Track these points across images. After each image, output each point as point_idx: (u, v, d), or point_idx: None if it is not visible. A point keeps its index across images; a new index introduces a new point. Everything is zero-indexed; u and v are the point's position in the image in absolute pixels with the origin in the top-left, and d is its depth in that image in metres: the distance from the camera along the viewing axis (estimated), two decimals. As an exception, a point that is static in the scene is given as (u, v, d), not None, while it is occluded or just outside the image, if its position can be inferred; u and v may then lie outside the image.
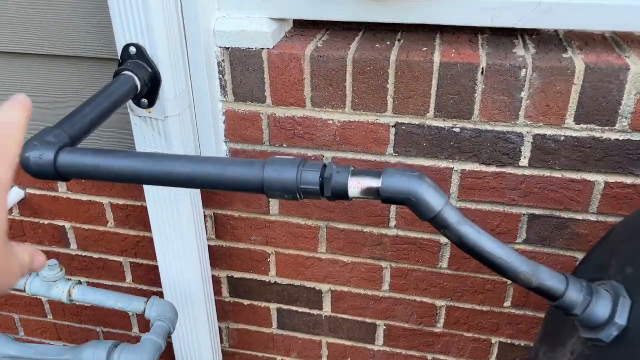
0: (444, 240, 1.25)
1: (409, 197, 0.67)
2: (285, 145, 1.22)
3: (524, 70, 1.02)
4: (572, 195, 1.12)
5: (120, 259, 1.54)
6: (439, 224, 0.68)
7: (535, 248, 1.21)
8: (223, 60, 1.16)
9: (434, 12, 1.04)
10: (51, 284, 1.22)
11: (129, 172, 0.72)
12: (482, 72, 1.04)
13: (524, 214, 1.17)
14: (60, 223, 1.52)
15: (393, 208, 1.24)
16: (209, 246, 1.41)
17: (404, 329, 1.41)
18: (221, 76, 1.18)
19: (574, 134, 1.06)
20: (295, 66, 1.12)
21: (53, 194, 1.47)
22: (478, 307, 1.32)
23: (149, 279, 1.55)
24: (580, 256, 1.19)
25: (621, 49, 1.04)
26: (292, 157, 0.71)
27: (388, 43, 1.14)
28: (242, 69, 1.15)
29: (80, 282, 1.27)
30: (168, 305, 1.19)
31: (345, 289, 1.39)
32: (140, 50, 1.02)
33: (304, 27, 1.22)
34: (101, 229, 1.49)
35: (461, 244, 0.68)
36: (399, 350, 1.45)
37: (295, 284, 1.42)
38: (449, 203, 0.69)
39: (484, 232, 0.68)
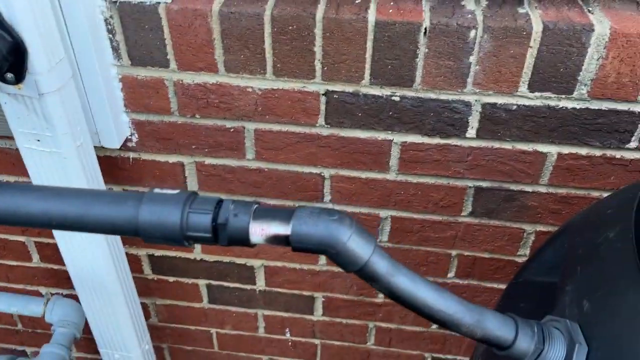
0: (384, 213, 1.13)
1: (326, 248, 0.52)
2: (197, 116, 1.04)
3: (474, 31, 0.86)
4: (522, 167, 1.01)
5: (22, 238, 1.35)
6: (365, 276, 0.54)
7: (481, 220, 1.11)
8: (111, 17, 0.93)
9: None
10: None
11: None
12: (425, 33, 0.87)
13: (470, 187, 1.06)
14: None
15: (327, 182, 1.10)
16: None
17: (343, 300, 1.32)
18: (111, 36, 0.95)
19: (527, 103, 0.93)
20: (201, 24, 0.91)
21: None
22: (420, 278, 1.24)
23: (60, 258, 1.38)
24: (528, 228, 1.10)
25: (585, 1, 0.89)
26: (177, 192, 0.54)
27: (314, -8, 0.94)
28: (136, 27, 0.93)
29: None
30: (71, 306, 1.04)
31: (279, 263, 1.27)
32: (-8, 13, 0.78)
33: (211, -30, 1.00)
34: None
35: (393, 297, 0.55)
36: (339, 320, 1.37)
37: (224, 261, 1.29)
38: (377, 249, 0.54)
39: (420, 279, 0.55)
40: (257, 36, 0.91)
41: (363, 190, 1.10)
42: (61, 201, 0.53)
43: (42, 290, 1.47)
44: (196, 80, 0.99)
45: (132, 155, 1.12)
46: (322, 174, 1.09)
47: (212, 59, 0.95)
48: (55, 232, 1.11)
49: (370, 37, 0.89)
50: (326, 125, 1.01)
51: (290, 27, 0.89)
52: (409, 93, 0.95)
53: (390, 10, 0.88)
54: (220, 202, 0.54)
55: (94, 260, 1.12)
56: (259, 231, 0.53)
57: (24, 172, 1.18)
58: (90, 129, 1.03)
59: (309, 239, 0.52)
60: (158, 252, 1.30)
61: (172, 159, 1.11)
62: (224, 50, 0.94)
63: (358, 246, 0.52)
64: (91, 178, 1.02)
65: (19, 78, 0.85)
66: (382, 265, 0.53)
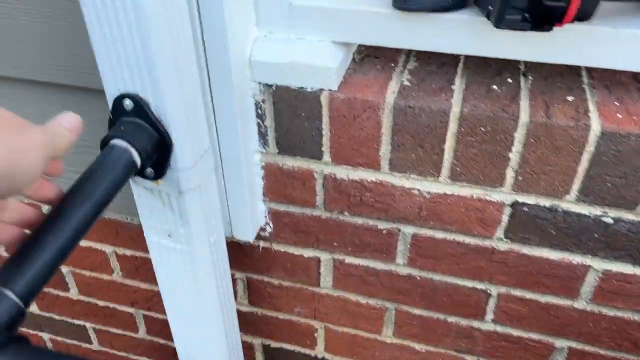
0: (560, 343, 0.92)
1: None
2: (346, 213, 0.88)
3: None
4: None
5: (131, 310, 1.25)
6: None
7: (692, 369, 0.86)
8: (263, 101, 0.79)
9: (593, 53, 0.65)
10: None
11: None
12: (671, 150, 0.66)
13: (687, 330, 0.82)
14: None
15: (492, 300, 0.90)
16: (239, 311, 1.11)
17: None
18: (260, 121, 0.82)
19: None
20: (370, 117, 0.75)
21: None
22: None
23: (166, 333, 1.27)
24: None
25: None
26: None
27: (509, 81, 0.75)
28: (290, 114, 0.79)
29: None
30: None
31: (414, 376, 1.08)
32: (139, 104, 0.66)
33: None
34: (106, 277, 1.20)
35: None
36: None
37: (349, 363, 1.12)
38: None
39: None
40: (437, 135, 0.74)
41: (538, 315, 0.89)
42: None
43: (145, 360, 1.37)
44: (352, 176, 0.83)
45: (262, 244, 0.98)
46: (489, 291, 0.89)
47: (376, 156, 0.79)
48: (168, 309, 0.98)
49: (589, 149, 0.69)
50: (505, 240, 0.82)
51: (482, 129, 0.71)
52: (628, 216, 0.73)
53: (619, 116, 0.68)
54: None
55: (206, 343, 0.99)
56: None
57: (143, 247, 1.08)
58: (223, 220, 0.91)
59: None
60: (275, 344, 1.15)
61: (308, 253, 0.96)
62: (392, 147, 0.77)
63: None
64: (220, 277, 0.89)
65: (160, 173, 0.73)
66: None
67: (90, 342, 1.39)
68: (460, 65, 0.79)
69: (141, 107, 0.67)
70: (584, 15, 0.58)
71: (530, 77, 0.76)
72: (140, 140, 0.66)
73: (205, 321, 0.93)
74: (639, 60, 0.65)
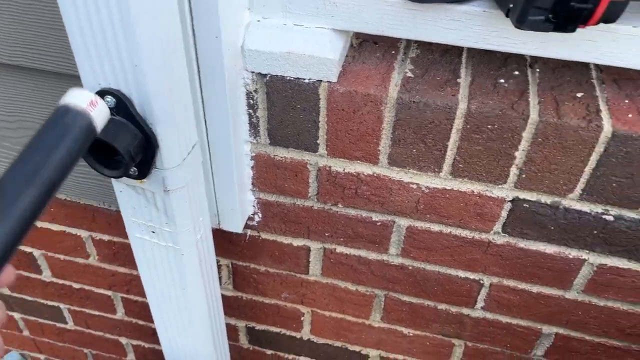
0: (547, 329, 0.93)
1: None
2: (340, 205, 0.85)
3: None
4: None
5: (109, 292, 1.21)
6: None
7: (674, 354, 0.89)
8: (255, 90, 0.74)
9: (611, 51, 0.62)
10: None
11: None
12: (680, 153, 0.65)
13: (674, 319, 0.84)
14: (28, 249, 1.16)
15: (484, 290, 0.90)
16: (223, 295, 1.08)
17: (467, 399, 1.13)
18: (251, 111, 0.76)
19: None
20: (371, 111, 0.71)
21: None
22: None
23: (146, 315, 1.23)
24: None
25: None
26: None
27: (516, 73, 0.72)
28: (285, 106, 0.74)
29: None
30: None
31: (400, 357, 1.09)
32: (121, 102, 0.60)
33: (378, 30, 0.79)
34: (81, 261, 1.14)
35: None
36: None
37: (335, 345, 1.12)
38: None
39: None
40: (441, 131, 0.71)
41: (529, 303, 0.89)
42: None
43: (123, 340, 1.34)
44: (348, 169, 0.79)
45: (250, 232, 0.94)
46: (481, 281, 0.89)
47: (375, 150, 0.75)
48: (151, 302, 0.94)
49: (598, 149, 0.67)
50: (503, 234, 0.81)
51: (489, 127, 0.68)
52: (630, 214, 0.73)
53: (630, 116, 0.66)
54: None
55: (191, 336, 0.96)
56: None
57: (121, 233, 1.03)
58: (211, 210, 0.86)
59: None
60: (260, 327, 1.14)
61: (298, 242, 0.93)
62: (392, 142, 0.74)
63: None
64: (206, 273, 0.85)
65: (143, 172, 0.67)
66: None
67: (66, 322, 1.34)
68: (465, 54, 0.75)
69: (124, 105, 0.61)
70: (609, 17, 0.55)
71: (537, 69, 0.73)
72: (122, 141, 0.61)
73: (190, 314, 0.90)
74: (655, 61, 0.62)
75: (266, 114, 0.76)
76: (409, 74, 0.72)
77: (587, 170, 0.69)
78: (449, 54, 0.75)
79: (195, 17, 0.63)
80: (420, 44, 0.77)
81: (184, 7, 0.62)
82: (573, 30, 0.56)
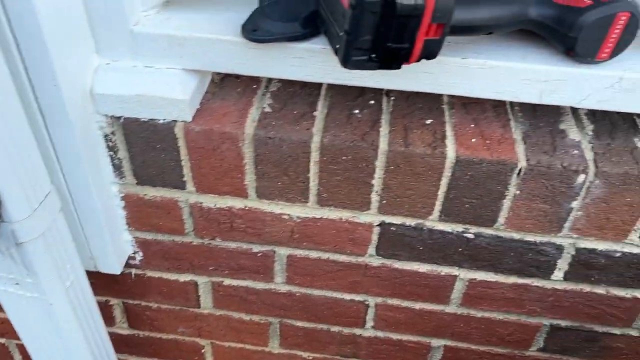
0: (436, 342, 0.95)
1: None
2: (218, 239, 0.84)
3: (582, 176, 0.67)
4: (614, 312, 0.84)
5: (2, 340, 1.15)
6: None
7: (552, 355, 0.94)
8: (112, 133, 0.73)
9: (446, 81, 0.65)
10: None
11: None
12: (519, 174, 0.68)
13: (545, 325, 0.88)
14: None
15: (371, 310, 0.92)
16: (119, 334, 1.06)
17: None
18: (112, 153, 0.75)
19: (637, 250, 0.75)
20: (230, 148, 0.71)
21: None
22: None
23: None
24: (608, 368, 0.93)
25: None
26: None
27: (371, 102, 0.74)
28: (145, 146, 0.73)
29: None
30: None
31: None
32: (-47, 158, 0.58)
33: (239, 65, 0.79)
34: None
35: None
36: None
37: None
38: None
39: None
40: (300, 164, 0.72)
41: (414, 320, 0.92)
42: None
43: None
44: (219, 205, 0.79)
45: (134, 271, 0.92)
46: (366, 302, 0.90)
47: (241, 184, 0.76)
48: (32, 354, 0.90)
49: (446, 174, 0.69)
50: (377, 256, 0.83)
51: (343, 158, 0.70)
52: (487, 231, 0.76)
53: (474, 140, 0.69)
54: None
55: None
56: None
57: None
58: (84, 254, 0.84)
59: None
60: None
61: (184, 277, 0.92)
62: (257, 177, 0.74)
63: None
64: (84, 318, 0.83)
65: (-8, 226, 0.65)
66: None
67: (-39, 374, 1.27)
68: (324, 85, 0.77)
69: (-43, 162, 0.58)
70: (429, 54, 0.57)
71: (392, 97, 0.75)
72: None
73: (76, 360, 0.87)
74: (486, 87, 0.65)
75: (127, 155, 0.75)
76: (267, 109, 0.72)
77: (440, 193, 0.72)
78: (309, 86, 0.76)
79: (29, 66, 0.61)
80: (280, 83, 0.78)
81: (15, 60, 0.60)
82: (398, 68, 0.58)
